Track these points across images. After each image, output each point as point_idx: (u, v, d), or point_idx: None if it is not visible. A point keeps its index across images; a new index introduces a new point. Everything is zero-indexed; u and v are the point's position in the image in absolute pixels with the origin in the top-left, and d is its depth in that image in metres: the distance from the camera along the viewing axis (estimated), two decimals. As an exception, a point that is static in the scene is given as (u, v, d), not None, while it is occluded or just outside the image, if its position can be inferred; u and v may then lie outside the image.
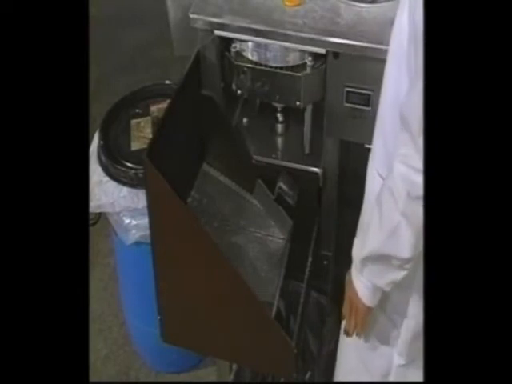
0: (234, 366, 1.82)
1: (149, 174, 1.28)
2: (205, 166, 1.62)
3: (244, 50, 1.50)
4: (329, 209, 1.66)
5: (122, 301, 2.11)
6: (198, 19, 1.45)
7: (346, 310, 1.35)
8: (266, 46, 1.46)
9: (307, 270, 1.60)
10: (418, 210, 1.00)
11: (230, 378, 1.82)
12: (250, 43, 1.48)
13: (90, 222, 1.85)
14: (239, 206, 1.63)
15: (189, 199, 1.57)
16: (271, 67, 1.48)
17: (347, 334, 1.37)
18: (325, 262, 1.74)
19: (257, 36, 1.43)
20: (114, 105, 1.84)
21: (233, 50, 1.50)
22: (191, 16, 1.44)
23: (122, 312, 2.15)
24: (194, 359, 2.15)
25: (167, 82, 1.89)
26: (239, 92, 1.55)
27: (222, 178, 1.62)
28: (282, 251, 1.61)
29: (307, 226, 1.64)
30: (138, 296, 1.95)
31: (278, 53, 1.47)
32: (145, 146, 1.70)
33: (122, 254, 1.92)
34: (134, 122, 1.80)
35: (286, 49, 1.45)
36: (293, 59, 1.47)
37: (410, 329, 1.34)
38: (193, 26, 1.46)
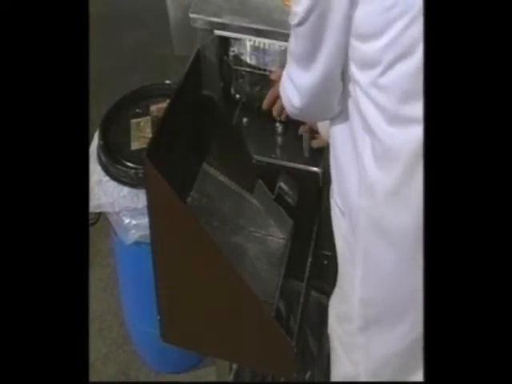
0: (234, 366, 1.82)
1: (148, 174, 1.28)
2: (205, 166, 1.62)
3: (242, 54, 1.50)
4: (329, 209, 1.65)
5: (122, 300, 2.11)
6: (198, 19, 1.44)
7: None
8: (264, 50, 1.46)
9: (307, 269, 1.60)
10: None
11: (230, 378, 1.82)
12: (248, 47, 1.48)
13: (90, 221, 1.85)
14: (239, 206, 1.63)
15: (188, 199, 1.57)
16: (270, 71, 1.48)
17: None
18: (325, 262, 1.74)
19: (257, 36, 1.43)
20: (114, 104, 1.84)
21: (231, 53, 1.50)
22: (191, 15, 1.44)
23: (122, 312, 2.15)
24: (193, 359, 2.15)
25: (167, 81, 1.89)
26: (238, 96, 1.55)
27: (221, 177, 1.62)
28: (282, 251, 1.61)
29: (307, 226, 1.64)
30: (137, 296, 1.95)
31: (277, 57, 1.47)
32: (145, 145, 1.70)
33: (121, 253, 1.92)
34: (133, 121, 1.80)
35: (285, 51, 1.44)
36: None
37: (366, 365, 1.30)
38: (193, 26, 1.46)
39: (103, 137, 1.74)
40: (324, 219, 1.67)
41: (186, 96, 1.43)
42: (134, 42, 3.19)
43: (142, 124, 1.80)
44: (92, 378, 2.09)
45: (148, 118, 1.81)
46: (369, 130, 1.09)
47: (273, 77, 1.47)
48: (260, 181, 1.59)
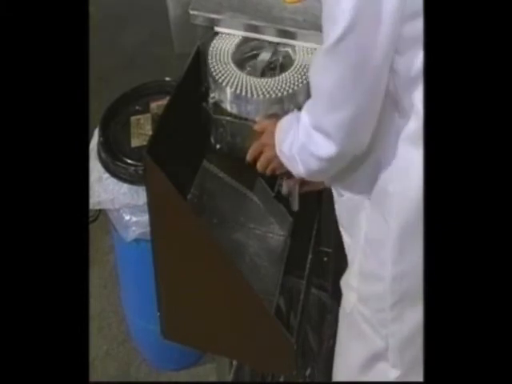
0: (234, 363, 1.82)
1: (149, 171, 1.28)
2: (205, 163, 1.61)
3: (222, 102, 1.41)
4: (329, 206, 1.65)
5: (122, 298, 2.11)
6: (198, 15, 1.44)
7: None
8: (246, 98, 1.36)
9: (307, 266, 1.60)
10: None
11: (230, 376, 1.82)
12: (229, 94, 1.38)
13: (90, 218, 1.85)
14: (239, 203, 1.63)
15: (189, 196, 1.57)
16: (253, 122, 1.38)
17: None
18: (325, 259, 1.74)
19: (257, 33, 1.43)
20: (114, 102, 1.84)
21: (211, 100, 1.42)
22: (191, 12, 1.44)
23: (122, 309, 2.15)
24: (193, 356, 2.15)
25: (167, 78, 1.89)
26: (218, 146, 1.47)
27: (222, 174, 1.62)
28: (282, 248, 1.61)
29: (307, 223, 1.64)
30: (137, 293, 1.95)
31: (260, 106, 1.37)
32: (145, 142, 1.70)
33: (121, 250, 1.92)
34: (133, 118, 1.80)
35: (269, 100, 1.36)
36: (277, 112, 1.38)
37: (397, 336, 1.30)
38: (192, 23, 1.46)
39: (103, 134, 1.74)
40: (324, 216, 1.67)
41: (186, 93, 1.43)
42: (135, 40, 3.19)
43: (142, 121, 1.80)
44: (92, 375, 2.10)
45: (148, 115, 1.81)
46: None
47: (257, 128, 1.36)
48: (260, 178, 1.59)
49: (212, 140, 1.46)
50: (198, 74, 1.49)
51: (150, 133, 1.73)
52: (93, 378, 2.08)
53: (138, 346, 2.17)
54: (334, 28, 0.99)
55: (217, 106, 1.43)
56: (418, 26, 0.96)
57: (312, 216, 1.64)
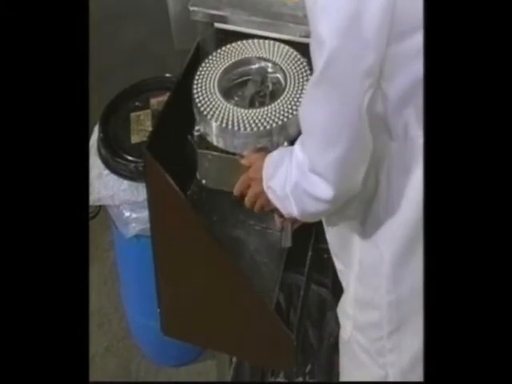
0: (234, 360, 1.82)
1: (149, 167, 1.28)
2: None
3: (208, 135, 1.34)
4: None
5: (122, 294, 2.11)
6: (198, 12, 1.44)
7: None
8: (233, 131, 1.30)
9: (307, 263, 1.60)
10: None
11: (230, 372, 1.82)
12: (214, 128, 1.31)
13: (90, 215, 1.85)
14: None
15: (188, 192, 1.57)
16: (241, 156, 1.31)
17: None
18: (325, 256, 1.74)
19: (257, 29, 1.43)
20: (114, 98, 1.84)
21: (196, 133, 1.35)
22: (191, 8, 1.44)
23: (122, 305, 2.15)
24: (193, 352, 2.15)
25: (167, 75, 1.89)
26: (204, 182, 1.40)
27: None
28: (281, 244, 1.61)
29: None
30: (137, 289, 1.95)
31: (249, 139, 1.30)
32: (145, 139, 1.69)
33: (121, 247, 1.92)
34: (133, 115, 1.80)
35: (258, 133, 1.30)
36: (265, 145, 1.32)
37: (397, 366, 1.28)
38: (192, 19, 1.46)
39: (103, 130, 1.74)
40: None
41: (186, 89, 1.43)
42: (134, 35, 3.19)
43: (142, 117, 1.79)
44: (92, 371, 2.10)
45: (148, 111, 1.81)
46: None
47: (244, 162, 1.29)
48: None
49: (198, 175, 1.40)
50: (197, 70, 1.49)
51: (150, 129, 1.72)
52: (93, 374, 2.08)
53: (138, 342, 2.17)
54: (321, 54, 0.97)
55: (202, 139, 1.36)
56: (405, 47, 0.96)
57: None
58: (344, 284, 1.34)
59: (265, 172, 1.20)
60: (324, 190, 1.07)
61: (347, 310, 1.31)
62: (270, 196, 1.20)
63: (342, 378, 1.45)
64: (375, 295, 1.22)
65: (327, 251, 1.71)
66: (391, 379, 1.29)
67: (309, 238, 1.63)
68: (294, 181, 1.12)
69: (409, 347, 1.24)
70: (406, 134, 1.08)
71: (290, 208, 1.16)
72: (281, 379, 1.92)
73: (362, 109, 1.00)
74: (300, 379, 1.91)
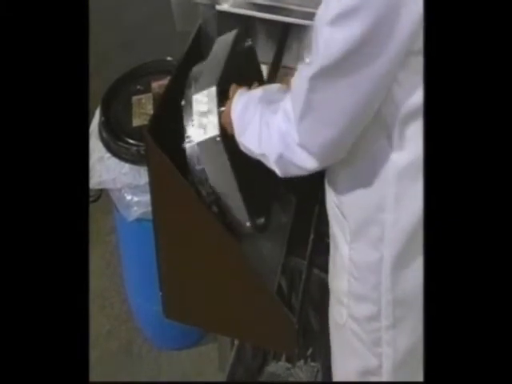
0: (236, 343, 1.83)
1: (150, 150, 1.28)
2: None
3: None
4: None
5: (124, 277, 2.11)
6: (200, -6, 1.43)
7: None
8: None
9: (309, 246, 1.60)
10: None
11: (232, 355, 1.83)
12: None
13: (92, 198, 1.85)
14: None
15: (190, 176, 1.56)
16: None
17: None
18: (327, 239, 1.74)
19: (259, 11, 1.42)
20: (115, 81, 1.83)
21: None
22: (192, -10, 1.43)
23: (124, 288, 2.16)
24: (195, 335, 2.16)
25: (168, 58, 1.88)
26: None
27: (223, 154, 1.61)
28: (283, 228, 1.61)
29: (309, 203, 1.64)
30: (139, 273, 1.95)
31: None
32: (146, 122, 1.69)
33: (123, 230, 1.92)
34: (135, 98, 1.80)
35: None
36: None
37: (391, 358, 1.28)
38: (194, 1, 1.44)
39: (105, 114, 1.73)
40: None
41: (187, 72, 1.42)
42: (135, 18, 3.18)
43: (143, 101, 1.79)
44: (94, 353, 2.12)
45: (149, 94, 1.80)
46: None
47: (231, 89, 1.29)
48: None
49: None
50: (199, 52, 1.48)
51: (152, 112, 1.72)
52: (94, 356, 2.09)
53: (140, 325, 2.18)
54: (351, 26, 0.93)
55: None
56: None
57: (314, 196, 1.64)
58: (337, 267, 1.33)
59: (235, 126, 1.21)
60: (310, 162, 1.09)
61: (341, 298, 1.31)
62: (243, 149, 1.21)
63: (335, 363, 1.45)
64: (373, 292, 1.22)
65: (329, 234, 1.72)
66: (384, 370, 1.30)
67: (310, 221, 1.63)
68: (277, 152, 1.11)
69: (404, 342, 1.25)
70: (409, 145, 1.07)
71: (269, 164, 1.16)
72: (282, 362, 1.93)
73: (372, 97, 0.99)
74: (302, 362, 1.92)
